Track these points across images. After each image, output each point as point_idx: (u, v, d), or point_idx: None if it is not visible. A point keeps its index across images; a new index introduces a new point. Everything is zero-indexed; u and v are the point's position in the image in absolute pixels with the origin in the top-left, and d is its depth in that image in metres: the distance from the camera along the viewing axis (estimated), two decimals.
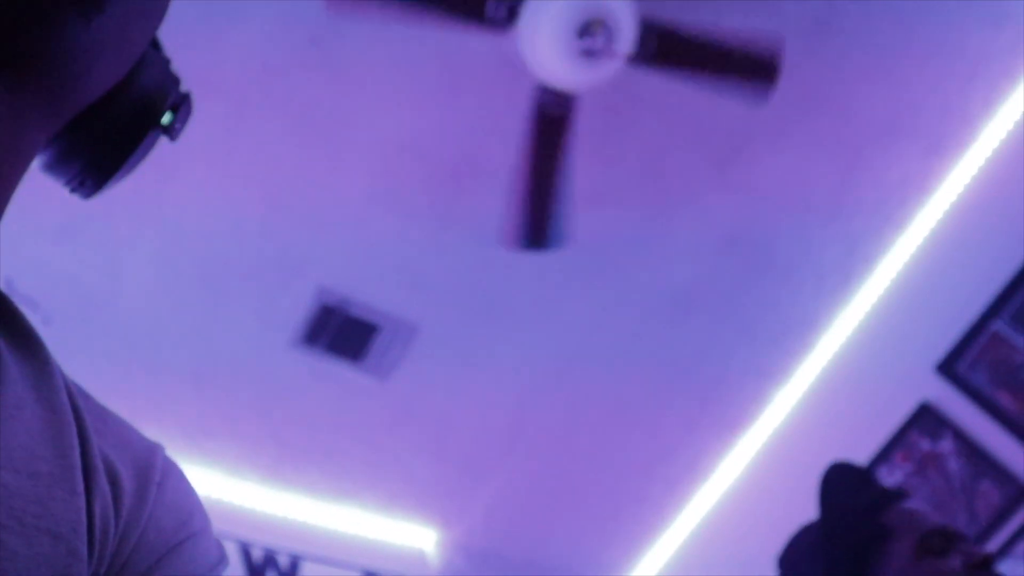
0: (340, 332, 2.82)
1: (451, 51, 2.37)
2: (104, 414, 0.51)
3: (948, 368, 2.97)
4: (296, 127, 2.43)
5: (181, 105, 0.53)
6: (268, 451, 2.99)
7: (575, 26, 1.97)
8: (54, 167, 0.50)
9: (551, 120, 2.14)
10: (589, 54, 1.98)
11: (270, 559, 2.92)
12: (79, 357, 2.73)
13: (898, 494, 1.31)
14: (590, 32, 1.97)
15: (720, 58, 2.16)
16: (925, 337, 3.04)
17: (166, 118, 0.52)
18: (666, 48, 2.10)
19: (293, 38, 2.28)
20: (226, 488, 2.96)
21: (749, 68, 2.18)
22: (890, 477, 3.03)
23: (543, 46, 2.00)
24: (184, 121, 0.54)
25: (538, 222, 2.27)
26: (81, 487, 0.44)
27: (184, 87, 0.53)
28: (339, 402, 2.99)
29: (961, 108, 2.90)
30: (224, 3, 2.13)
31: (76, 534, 0.42)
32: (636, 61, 2.08)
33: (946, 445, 2.97)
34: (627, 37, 2.01)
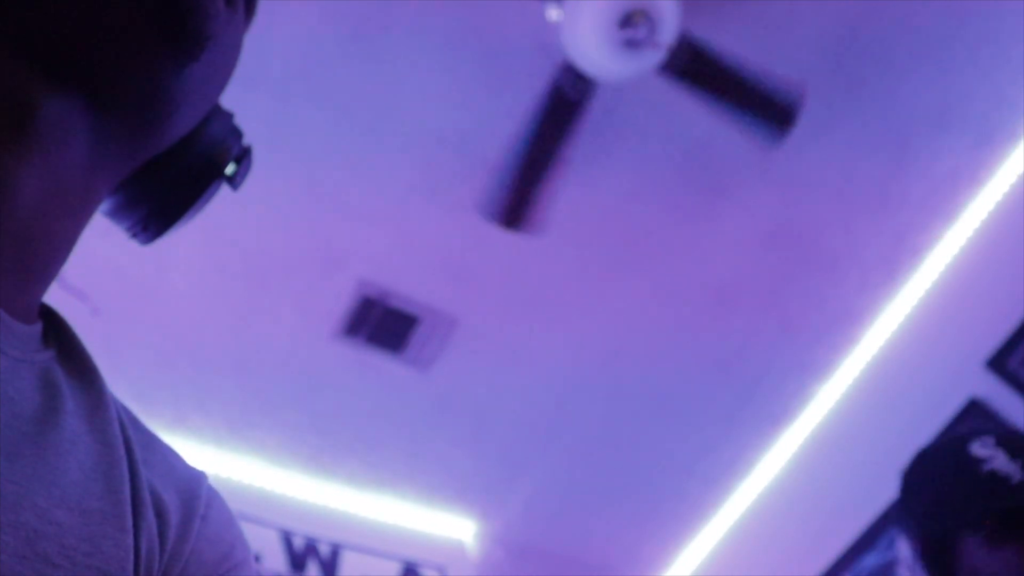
0: (380, 324, 2.83)
1: (492, 44, 2.36)
2: (152, 442, 0.51)
3: (999, 364, 2.90)
4: (338, 120, 2.45)
5: (243, 157, 0.55)
6: (309, 441, 3.03)
7: (617, 16, 1.95)
8: (119, 212, 0.52)
9: (565, 103, 2.12)
10: (631, 44, 1.97)
11: (311, 548, 2.96)
12: (126, 348, 2.79)
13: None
14: (632, 23, 1.95)
15: (743, 90, 2.15)
16: (975, 332, 2.97)
17: (230, 169, 0.54)
18: (696, 66, 2.09)
19: (336, 32, 2.29)
20: (268, 477, 3.01)
21: (768, 108, 2.18)
22: None
23: (585, 37, 1.99)
24: (246, 173, 0.56)
25: (518, 203, 2.24)
26: (130, 523, 0.44)
27: (246, 140, 0.56)
28: (379, 393, 3.01)
29: (1013, 97, 2.83)
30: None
31: (124, 572, 0.43)
32: (664, 73, 2.07)
33: None
34: (669, 28, 1.99)
